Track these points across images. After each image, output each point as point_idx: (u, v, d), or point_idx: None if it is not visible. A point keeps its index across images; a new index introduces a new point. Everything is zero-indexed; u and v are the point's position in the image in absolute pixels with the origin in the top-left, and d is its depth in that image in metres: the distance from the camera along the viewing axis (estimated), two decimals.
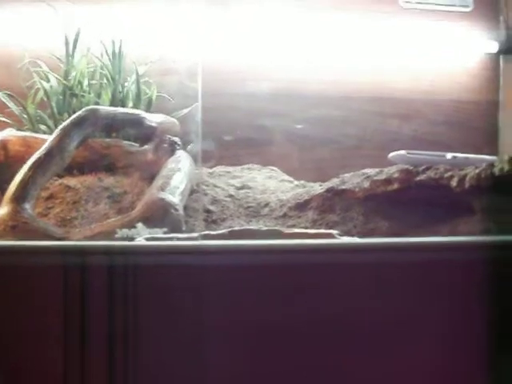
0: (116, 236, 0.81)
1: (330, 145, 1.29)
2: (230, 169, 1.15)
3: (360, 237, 0.92)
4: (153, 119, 1.06)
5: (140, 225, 0.83)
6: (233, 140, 1.25)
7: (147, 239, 0.81)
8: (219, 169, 1.14)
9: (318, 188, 1.04)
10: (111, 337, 0.71)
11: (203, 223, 0.96)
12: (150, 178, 0.97)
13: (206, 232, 0.85)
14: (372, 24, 1.30)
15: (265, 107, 1.26)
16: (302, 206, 1.01)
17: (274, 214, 1.01)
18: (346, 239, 0.85)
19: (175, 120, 1.10)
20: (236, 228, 0.89)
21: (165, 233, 0.83)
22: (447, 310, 0.77)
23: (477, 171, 0.90)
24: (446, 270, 0.77)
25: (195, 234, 0.83)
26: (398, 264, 0.77)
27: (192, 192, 1.01)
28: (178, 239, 0.81)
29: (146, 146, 1.04)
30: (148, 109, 1.12)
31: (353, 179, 1.00)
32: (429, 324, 0.77)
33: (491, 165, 0.90)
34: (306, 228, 0.96)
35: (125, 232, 0.81)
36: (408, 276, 0.78)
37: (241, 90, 1.24)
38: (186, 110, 1.13)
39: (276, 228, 0.90)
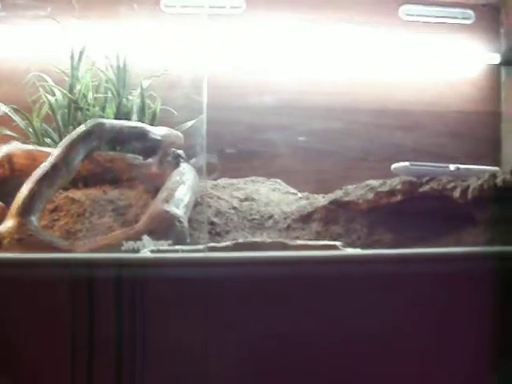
0: (122, 248, 0.82)
1: (333, 157, 1.29)
2: (234, 181, 1.15)
3: (364, 248, 0.93)
4: (157, 132, 1.06)
5: (146, 237, 0.83)
6: (236, 152, 1.26)
7: (152, 251, 0.81)
8: (223, 181, 1.14)
9: (321, 200, 1.05)
10: (119, 348, 0.71)
11: (207, 235, 0.97)
12: (155, 191, 0.98)
13: (212, 244, 0.85)
14: (374, 36, 1.31)
15: (268, 120, 1.26)
16: (305, 218, 1.01)
17: (277, 226, 1.01)
18: (349, 251, 0.85)
19: (179, 133, 1.11)
20: (240, 240, 0.90)
21: (170, 245, 0.83)
22: (451, 321, 0.78)
23: (479, 182, 0.90)
24: (449, 280, 0.78)
25: (201, 246, 0.84)
26: (402, 275, 0.77)
27: (196, 204, 1.01)
28: (184, 251, 0.81)
29: (150, 159, 1.04)
30: (152, 122, 1.13)
31: (356, 191, 1.01)
32: (432, 335, 0.77)
33: (494, 175, 0.90)
34: (310, 240, 0.96)
35: (130, 244, 0.82)
36: (412, 287, 0.78)
37: (244, 102, 1.25)
38: (190, 123, 1.14)
39: (280, 240, 0.90)
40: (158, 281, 0.73)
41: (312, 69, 1.30)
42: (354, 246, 0.93)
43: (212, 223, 1.00)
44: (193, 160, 1.05)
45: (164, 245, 0.83)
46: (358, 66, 1.31)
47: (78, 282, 0.71)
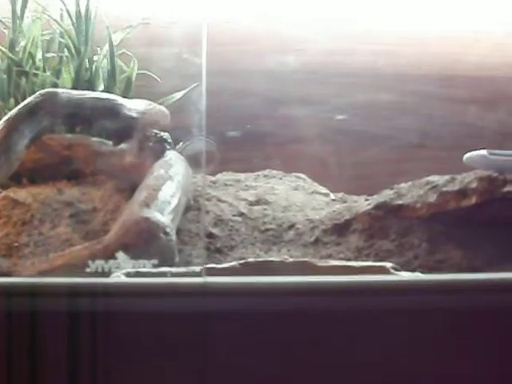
0: (87, 270, 0.82)
1: (380, 142, 1.30)
2: (241, 176, 1.16)
3: (424, 272, 0.93)
4: (133, 107, 1.07)
5: (122, 255, 0.84)
6: (244, 136, 1.26)
7: (128, 275, 0.82)
8: (225, 176, 1.15)
9: (363, 203, 1.05)
10: None
11: (204, 252, 0.97)
12: (130, 190, 0.99)
13: (210, 265, 0.86)
14: None
15: (290, 90, 1.27)
16: (341, 229, 1.02)
17: (302, 239, 1.02)
18: (404, 275, 0.86)
19: (164, 108, 1.12)
20: (250, 259, 0.90)
21: (154, 265, 0.84)
22: None
23: None
24: None
25: (196, 268, 0.85)
26: (477, 308, 0.78)
27: (188, 209, 1.02)
28: (173, 275, 0.82)
29: (123, 145, 1.05)
30: (126, 93, 1.13)
31: (413, 191, 1.01)
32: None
33: None
34: (348, 259, 0.97)
35: (99, 264, 0.83)
36: (490, 323, 0.78)
37: (257, 65, 1.25)
38: (179, 94, 1.14)
39: (306, 260, 0.91)
40: (130, 315, 0.74)
41: (351, 19, 1.30)
42: (411, 269, 0.93)
43: (210, 235, 1.01)
44: (180, 145, 1.06)
45: (146, 265, 0.84)
46: (416, 16, 1.31)
47: (18, 315, 0.72)
